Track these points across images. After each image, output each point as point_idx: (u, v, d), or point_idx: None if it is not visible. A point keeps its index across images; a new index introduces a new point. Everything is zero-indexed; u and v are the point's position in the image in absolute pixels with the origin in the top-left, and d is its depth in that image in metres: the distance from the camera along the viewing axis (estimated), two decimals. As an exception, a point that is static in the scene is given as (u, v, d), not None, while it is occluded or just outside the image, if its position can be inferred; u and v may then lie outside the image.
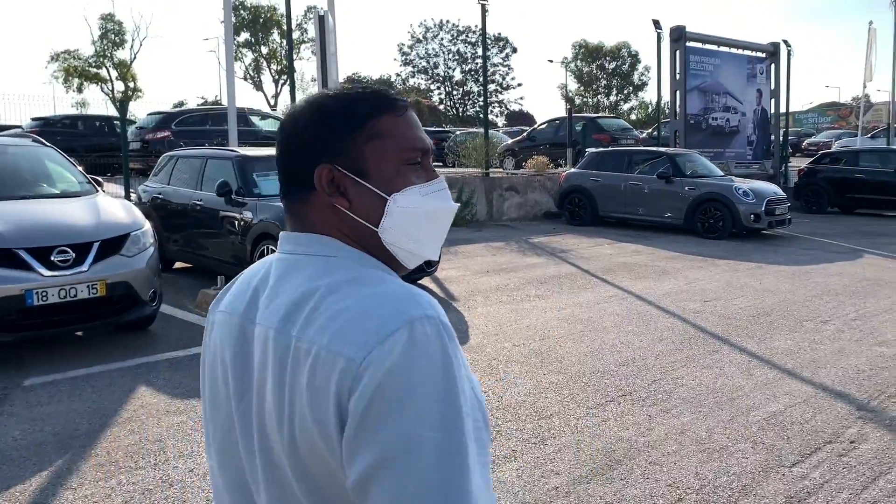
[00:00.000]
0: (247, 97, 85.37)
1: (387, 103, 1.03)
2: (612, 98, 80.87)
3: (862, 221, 15.65)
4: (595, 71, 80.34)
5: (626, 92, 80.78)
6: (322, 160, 1.00)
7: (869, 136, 29.73)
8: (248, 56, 57.56)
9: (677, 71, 17.53)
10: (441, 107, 72.01)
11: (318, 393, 0.86)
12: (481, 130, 17.83)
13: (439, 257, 7.85)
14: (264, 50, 57.48)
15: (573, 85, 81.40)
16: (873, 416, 4.59)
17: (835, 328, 6.69)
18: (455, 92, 73.86)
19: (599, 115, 22.98)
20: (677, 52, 17.35)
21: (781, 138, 19.89)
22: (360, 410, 0.83)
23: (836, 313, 7.25)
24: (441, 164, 21.39)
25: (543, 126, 20.92)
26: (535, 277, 9.05)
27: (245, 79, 57.04)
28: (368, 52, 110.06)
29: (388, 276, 0.98)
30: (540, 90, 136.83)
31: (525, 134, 21.49)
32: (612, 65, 79.77)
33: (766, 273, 9.40)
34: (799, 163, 21.83)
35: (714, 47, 18.43)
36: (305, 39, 52.51)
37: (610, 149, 15.77)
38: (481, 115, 74.12)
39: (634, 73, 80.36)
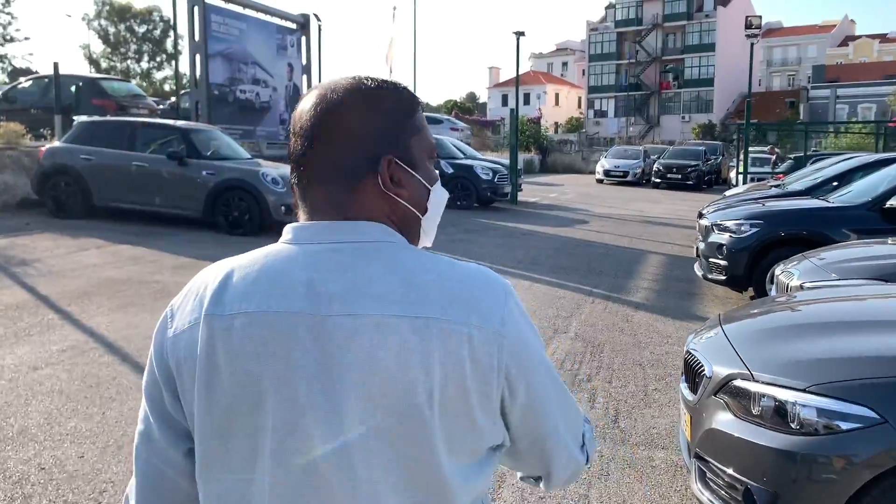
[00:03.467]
0: None
1: (417, 100, 1.10)
2: (145, 65, 74.40)
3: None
4: (124, 33, 72.78)
5: (159, 60, 74.81)
6: (383, 152, 1.02)
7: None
8: None
9: (196, 31, 14.87)
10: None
11: (481, 366, 0.96)
12: None
13: None
14: None
15: (99, 46, 72.59)
16: None
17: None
18: (-64, 38, 59.39)
19: (103, 76, 18.90)
20: (195, 9, 14.67)
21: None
22: (512, 371, 0.99)
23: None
24: None
25: (27, 84, 16.23)
26: (-51, 317, 5.67)
27: None
28: None
29: (452, 257, 1.06)
30: (58, 48, 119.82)
31: (1, 93, 16.49)
32: (143, 28, 73.15)
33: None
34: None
35: (240, 9, 16.20)
36: None
37: (108, 118, 12.41)
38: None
39: (168, 39, 74.65)
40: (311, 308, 0.95)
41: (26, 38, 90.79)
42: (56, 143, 11.57)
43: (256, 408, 0.95)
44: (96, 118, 12.06)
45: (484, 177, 16.16)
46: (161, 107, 20.33)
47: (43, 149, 11.41)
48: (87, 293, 6.64)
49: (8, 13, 62.95)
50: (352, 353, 0.93)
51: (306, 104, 1.04)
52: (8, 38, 63.16)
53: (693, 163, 28.15)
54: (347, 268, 0.97)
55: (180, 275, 7.69)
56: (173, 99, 20.70)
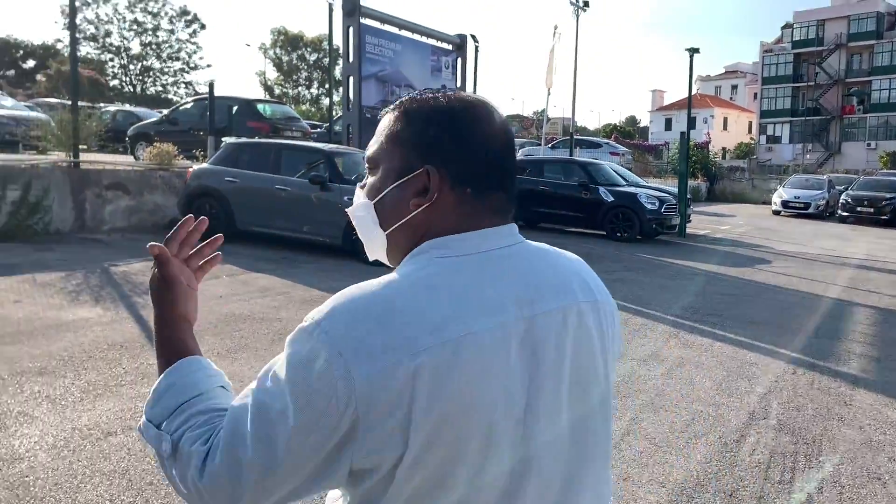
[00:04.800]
0: None
1: None
2: (315, 91, 78.10)
3: (547, 239, 13.75)
4: (296, 61, 76.80)
5: (327, 86, 78.32)
6: None
7: (549, 146, 29.86)
8: None
9: (351, 53, 14.52)
10: (115, 82, 63.08)
11: (616, 335, 1.14)
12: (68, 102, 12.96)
13: None
14: None
15: (273, 73, 77.00)
16: None
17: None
18: (132, 66, 65.20)
19: (259, 98, 19.09)
20: (350, 30, 14.33)
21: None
22: (619, 339, 1.17)
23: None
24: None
25: (188, 106, 16.56)
26: (54, 353, 5.11)
27: None
28: (23, 12, 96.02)
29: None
30: (237, 75, 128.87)
31: (164, 114, 16.94)
32: (314, 56, 76.85)
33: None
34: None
35: (395, 30, 15.77)
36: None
37: (254, 140, 12.13)
38: (166, 95, 66.64)
39: (337, 67, 77.71)
40: (518, 313, 0.97)
41: (208, 66, 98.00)
42: (203, 165, 11.40)
43: (496, 421, 0.95)
44: (243, 139, 11.81)
45: (649, 206, 14.60)
46: (317, 130, 20.39)
47: (190, 170, 11.27)
48: (201, 332, 5.96)
49: (194, 43, 68.36)
50: (557, 348, 1.00)
51: (499, 118, 1.08)
52: (193, 66, 68.58)
53: (889, 195, 24.84)
54: (523, 267, 1.03)
55: (306, 311, 6.88)
56: (327, 124, 20.71)
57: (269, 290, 7.87)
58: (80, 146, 12.00)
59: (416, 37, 16.59)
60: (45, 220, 10.01)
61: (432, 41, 17.14)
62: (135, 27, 63.54)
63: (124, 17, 62.86)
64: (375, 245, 1.09)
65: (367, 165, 1.10)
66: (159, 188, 11.87)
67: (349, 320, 0.93)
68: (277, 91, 75.77)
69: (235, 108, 15.22)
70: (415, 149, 1.02)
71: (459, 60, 17.92)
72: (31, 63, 64.14)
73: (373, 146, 1.08)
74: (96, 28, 61.93)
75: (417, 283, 0.96)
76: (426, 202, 1.01)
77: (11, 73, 62.81)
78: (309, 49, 77.34)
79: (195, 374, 1.05)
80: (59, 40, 61.80)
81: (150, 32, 64.19)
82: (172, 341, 1.10)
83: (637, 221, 14.60)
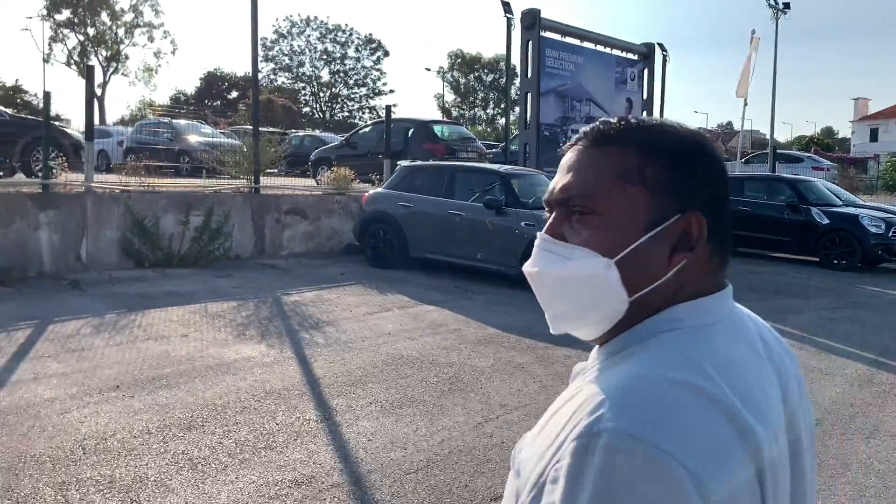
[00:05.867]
0: (69, 84, 77.66)
1: None
2: (490, 111, 78.73)
3: (747, 265, 12.37)
4: (472, 82, 77.85)
5: (503, 106, 78.68)
6: None
7: (742, 161, 27.52)
8: (72, 38, 50.14)
9: (529, 68, 13.78)
10: (307, 109, 66.93)
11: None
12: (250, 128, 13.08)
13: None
14: (91, 32, 50.40)
15: (450, 96, 78.53)
16: None
17: None
18: (322, 94, 68.87)
19: (435, 119, 18.74)
20: (529, 43, 13.61)
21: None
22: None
23: None
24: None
25: (367, 129, 16.56)
26: (208, 401, 4.70)
27: (69, 64, 49.78)
28: (226, 47, 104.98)
29: None
30: (416, 99, 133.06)
31: (344, 139, 17.07)
32: (490, 77, 77.53)
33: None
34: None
35: (576, 42, 14.87)
36: (140, 23, 46.24)
37: (427, 163, 11.66)
38: (352, 120, 69.94)
39: (512, 87, 77.83)
40: (783, 392, 0.86)
41: (391, 91, 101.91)
42: (379, 189, 11.09)
43: None
44: (417, 162, 11.41)
45: (873, 230, 12.55)
46: (493, 150, 19.88)
47: (366, 194, 11.00)
48: (364, 377, 5.38)
49: (378, 69, 71.15)
50: (803, 418, 0.89)
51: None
52: (377, 91, 71.40)
53: None
54: (757, 330, 0.90)
55: (479, 354, 6.18)
56: (503, 144, 20.13)
57: (441, 326, 7.22)
58: (270, 170, 12.14)
59: (599, 48, 15.59)
60: (226, 245, 10.08)
61: (616, 52, 16.06)
62: (324, 57, 67.13)
63: (315, 48, 66.62)
64: (600, 314, 0.82)
65: (574, 208, 0.83)
66: (336, 213, 11.72)
67: (673, 421, 0.71)
68: (455, 113, 77.08)
69: (411, 130, 14.99)
70: (666, 191, 0.82)
71: (646, 71, 16.68)
72: (234, 94, 69.68)
73: (582, 184, 0.83)
74: (290, 59, 66.11)
75: (717, 362, 0.77)
76: (687, 257, 0.82)
77: (218, 103, 68.60)
78: (485, 70, 78.11)
79: None
80: (258, 71, 66.77)
81: (338, 61, 67.55)
82: None
83: (859, 247, 12.61)
